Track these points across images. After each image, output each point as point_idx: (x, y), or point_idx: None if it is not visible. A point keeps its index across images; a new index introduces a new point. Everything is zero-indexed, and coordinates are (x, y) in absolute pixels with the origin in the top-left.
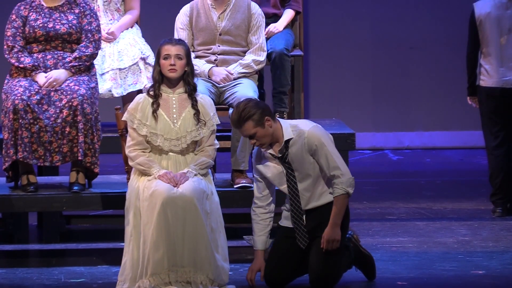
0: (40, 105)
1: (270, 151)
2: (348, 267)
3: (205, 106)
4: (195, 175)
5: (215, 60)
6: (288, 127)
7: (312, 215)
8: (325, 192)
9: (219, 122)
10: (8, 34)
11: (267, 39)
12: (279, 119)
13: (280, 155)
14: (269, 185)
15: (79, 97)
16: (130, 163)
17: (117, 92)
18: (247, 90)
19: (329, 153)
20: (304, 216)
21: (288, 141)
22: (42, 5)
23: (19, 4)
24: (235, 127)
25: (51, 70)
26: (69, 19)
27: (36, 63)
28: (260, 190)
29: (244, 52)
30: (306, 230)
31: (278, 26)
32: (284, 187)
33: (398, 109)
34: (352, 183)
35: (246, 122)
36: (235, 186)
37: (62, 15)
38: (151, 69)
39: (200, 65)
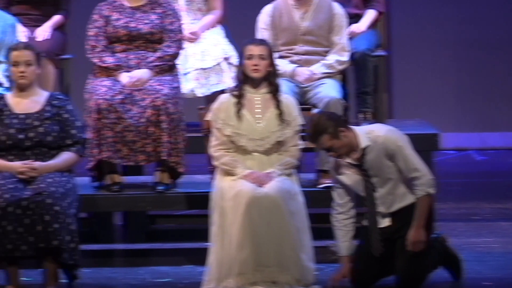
0: (123, 105)
1: (348, 160)
2: (434, 268)
3: (289, 106)
4: (280, 175)
5: (298, 60)
6: (363, 134)
7: (397, 217)
8: (407, 192)
9: (303, 122)
10: (91, 33)
11: (350, 39)
12: (353, 127)
13: (357, 163)
14: (349, 191)
15: (163, 97)
16: (215, 163)
17: (201, 92)
18: (330, 90)
19: (407, 156)
20: (385, 219)
21: (364, 148)
22: (124, 5)
23: (100, 4)
24: (311, 142)
25: (134, 69)
26: (152, 19)
27: (119, 63)
28: (340, 196)
29: (327, 52)
30: (380, 238)
31: (360, 26)
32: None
33: (482, 109)
34: (432, 183)
35: (322, 136)
36: (320, 186)
37: (145, 15)
38: (234, 69)
39: (284, 65)
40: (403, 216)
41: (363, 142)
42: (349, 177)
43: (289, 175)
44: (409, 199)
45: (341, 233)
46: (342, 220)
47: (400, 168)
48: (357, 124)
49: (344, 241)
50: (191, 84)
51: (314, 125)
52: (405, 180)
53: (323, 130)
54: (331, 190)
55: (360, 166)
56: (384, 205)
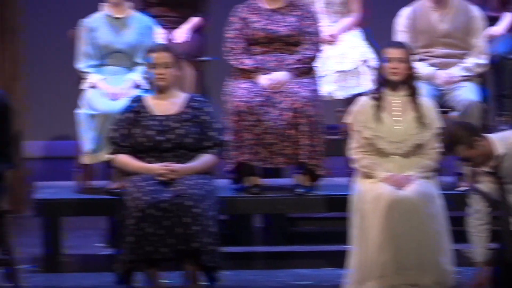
0: (262, 107)
1: (484, 168)
2: None
3: (428, 109)
4: (419, 178)
5: (437, 63)
6: (499, 142)
7: None
8: None
9: (443, 125)
10: (229, 36)
11: (488, 42)
12: (488, 135)
13: (494, 171)
14: (486, 198)
15: (302, 99)
16: (354, 165)
17: (339, 95)
18: (469, 93)
19: None
20: None
21: (501, 156)
22: (262, 6)
23: (238, 5)
24: (447, 152)
25: (272, 72)
26: (290, 21)
27: (258, 65)
28: (476, 203)
29: (465, 55)
30: None
31: (499, 29)
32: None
33: None
34: None
35: (457, 147)
36: (459, 189)
37: (283, 17)
38: (372, 72)
39: (422, 68)
40: None
41: (499, 150)
42: (486, 184)
43: (428, 178)
44: None
45: (477, 238)
46: (478, 226)
47: None
48: (496, 127)
49: (480, 246)
50: (329, 86)
51: (448, 136)
52: None
53: (458, 140)
54: (468, 195)
55: (496, 173)
56: None
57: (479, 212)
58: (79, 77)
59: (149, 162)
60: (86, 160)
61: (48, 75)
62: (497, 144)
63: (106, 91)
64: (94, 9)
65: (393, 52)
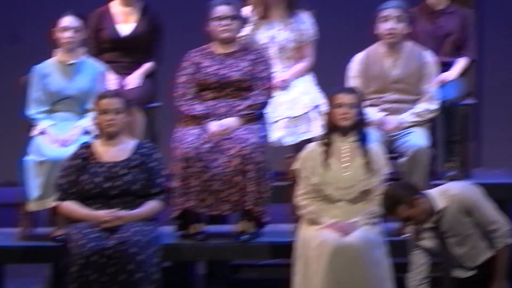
0: (210, 154)
1: (425, 225)
2: None
3: (377, 155)
4: (364, 224)
5: (388, 108)
6: (438, 196)
7: (479, 269)
8: (489, 245)
9: (391, 171)
10: (181, 81)
11: (439, 87)
12: (426, 191)
13: (434, 226)
14: (428, 254)
15: (250, 146)
16: (301, 211)
17: (289, 141)
18: (418, 139)
19: (484, 210)
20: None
21: (441, 210)
22: (215, 51)
23: (190, 51)
24: (388, 214)
25: (222, 118)
26: (242, 66)
27: (208, 111)
28: (418, 259)
29: (416, 101)
30: None
31: (451, 74)
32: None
33: None
34: (510, 234)
35: (398, 208)
36: (402, 236)
37: (235, 61)
38: (322, 117)
39: (372, 114)
40: (483, 267)
41: (439, 205)
42: (428, 240)
43: (373, 224)
44: (491, 251)
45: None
46: (418, 279)
47: (477, 222)
48: (445, 173)
49: None
50: (279, 132)
51: (388, 197)
52: (484, 233)
53: (398, 201)
54: (410, 253)
55: (438, 229)
56: (470, 260)
57: (420, 268)
58: (25, 124)
59: (96, 209)
60: (31, 207)
61: None
62: (437, 199)
63: (55, 138)
64: (45, 57)
65: (344, 98)
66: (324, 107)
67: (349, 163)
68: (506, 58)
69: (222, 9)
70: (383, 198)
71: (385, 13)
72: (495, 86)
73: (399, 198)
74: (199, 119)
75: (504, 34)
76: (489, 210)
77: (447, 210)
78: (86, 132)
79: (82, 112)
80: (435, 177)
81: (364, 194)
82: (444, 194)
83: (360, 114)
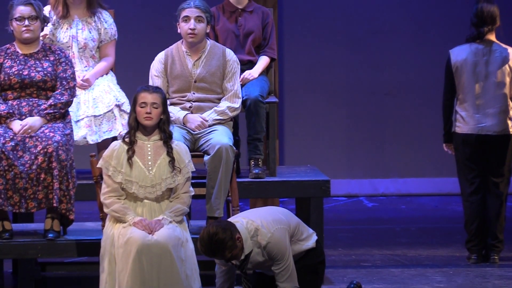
0: (15, 152)
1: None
2: None
3: (180, 153)
4: (170, 222)
5: (190, 107)
6: (248, 238)
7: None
8: None
9: (194, 169)
10: None
11: (242, 85)
12: (239, 227)
13: (239, 264)
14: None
15: (54, 144)
16: (105, 210)
17: (92, 139)
18: (222, 137)
19: (285, 268)
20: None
21: (248, 254)
22: (17, 52)
23: None
24: (210, 257)
25: (26, 117)
26: (44, 67)
27: (11, 110)
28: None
29: (219, 99)
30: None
31: (253, 72)
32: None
33: (373, 155)
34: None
35: (224, 252)
36: None
37: (37, 62)
38: (126, 116)
39: (175, 112)
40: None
41: (247, 247)
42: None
43: (179, 222)
44: None
45: (220, 280)
46: (224, 269)
47: (274, 272)
48: (248, 172)
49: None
50: (83, 131)
51: (212, 242)
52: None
53: (224, 245)
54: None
55: (241, 267)
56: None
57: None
58: None
59: None
60: None
61: None
62: (246, 241)
63: None
64: None
65: (147, 97)
66: (127, 106)
67: (153, 162)
68: (305, 56)
69: (22, 10)
70: (206, 245)
71: (186, 13)
72: (295, 84)
73: (225, 242)
74: (2, 118)
75: (303, 34)
76: (288, 269)
77: (252, 255)
78: None
79: None
80: (239, 175)
81: (169, 192)
82: (253, 235)
83: (164, 113)
